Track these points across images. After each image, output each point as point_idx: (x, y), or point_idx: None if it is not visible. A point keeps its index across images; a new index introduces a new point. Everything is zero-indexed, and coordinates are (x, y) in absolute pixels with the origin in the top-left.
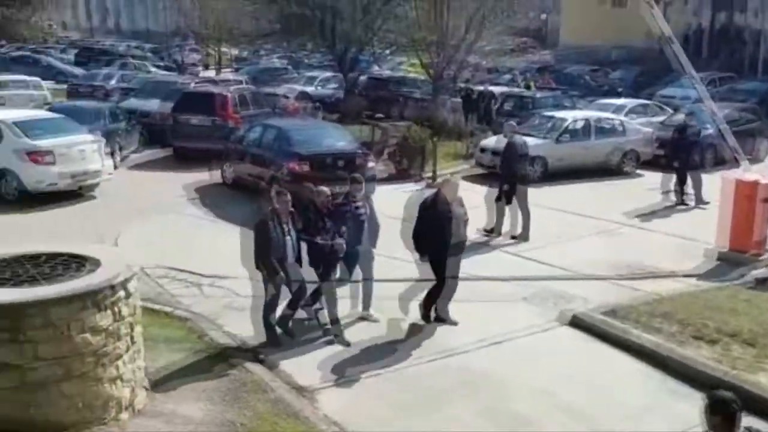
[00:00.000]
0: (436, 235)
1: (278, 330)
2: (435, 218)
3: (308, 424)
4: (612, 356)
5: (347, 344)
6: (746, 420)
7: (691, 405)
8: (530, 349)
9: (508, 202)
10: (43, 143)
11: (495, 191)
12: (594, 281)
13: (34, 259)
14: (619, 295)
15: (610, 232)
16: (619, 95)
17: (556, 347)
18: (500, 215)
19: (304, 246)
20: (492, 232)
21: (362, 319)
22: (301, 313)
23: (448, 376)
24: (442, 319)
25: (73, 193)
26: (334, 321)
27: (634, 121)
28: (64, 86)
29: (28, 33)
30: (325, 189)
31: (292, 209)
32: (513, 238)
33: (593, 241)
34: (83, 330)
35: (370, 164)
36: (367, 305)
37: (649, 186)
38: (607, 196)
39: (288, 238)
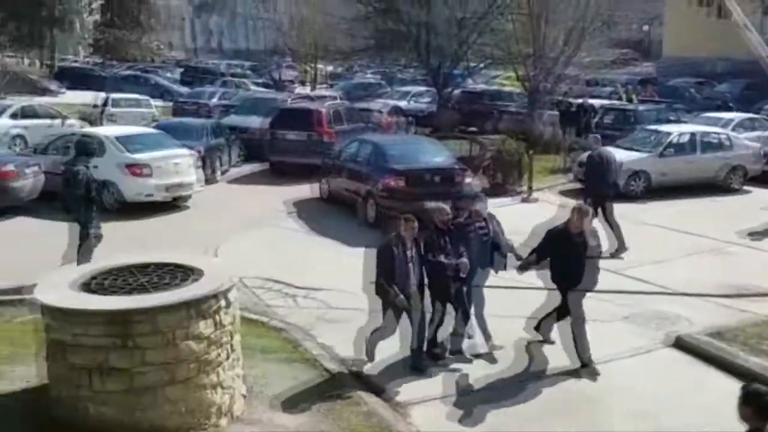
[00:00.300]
0: (566, 268)
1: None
2: (564, 249)
3: None
4: (718, 380)
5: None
6: None
7: None
8: (632, 371)
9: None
10: (141, 157)
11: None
12: (699, 302)
13: (143, 268)
14: (725, 317)
15: (717, 251)
16: (729, 109)
17: (659, 369)
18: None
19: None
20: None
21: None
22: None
23: (547, 396)
24: (544, 338)
25: (168, 204)
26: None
27: (741, 135)
28: (170, 104)
29: (138, 53)
30: (446, 207)
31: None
32: (612, 255)
33: (699, 260)
34: (187, 337)
35: (468, 180)
36: (486, 335)
37: (759, 203)
38: (714, 214)
39: (411, 265)
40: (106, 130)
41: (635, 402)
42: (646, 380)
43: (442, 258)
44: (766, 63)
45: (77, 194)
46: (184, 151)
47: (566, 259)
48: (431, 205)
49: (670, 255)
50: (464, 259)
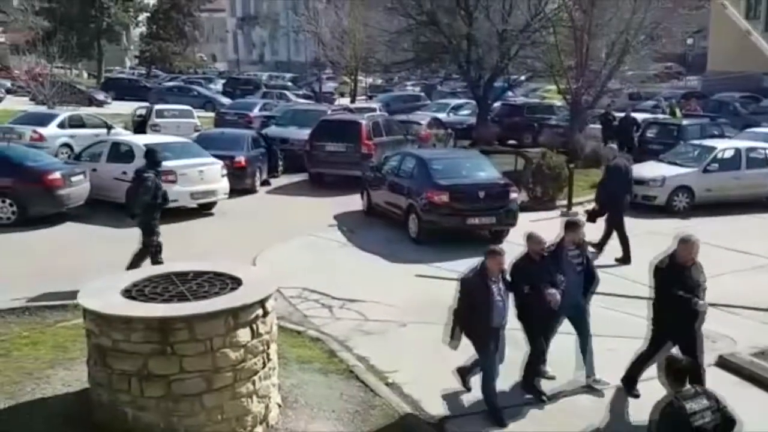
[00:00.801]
0: (673, 307)
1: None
2: (671, 285)
3: None
4: (762, 399)
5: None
6: None
7: None
8: None
9: (591, 220)
10: (167, 164)
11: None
12: (742, 320)
13: (182, 276)
14: None
15: (762, 267)
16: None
17: None
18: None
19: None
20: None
21: (589, 387)
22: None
23: (584, 411)
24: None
25: (208, 212)
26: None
27: None
28: (213, 114)
29: (182, 65)
30: (540, 236)
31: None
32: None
33: (743, 277)
34: (224, 345)
35: (513, 195)
36: (590, 370)
37: None
38: (760, 231)
39: (498, 299)
40: (136, 139)
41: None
42: None
43: (548, 291)
44: None
45: (145, 200)
46: (211, 159)
47: (677, 300)
48: (529, 233)
49: (714, 272)
50: (552, 290)
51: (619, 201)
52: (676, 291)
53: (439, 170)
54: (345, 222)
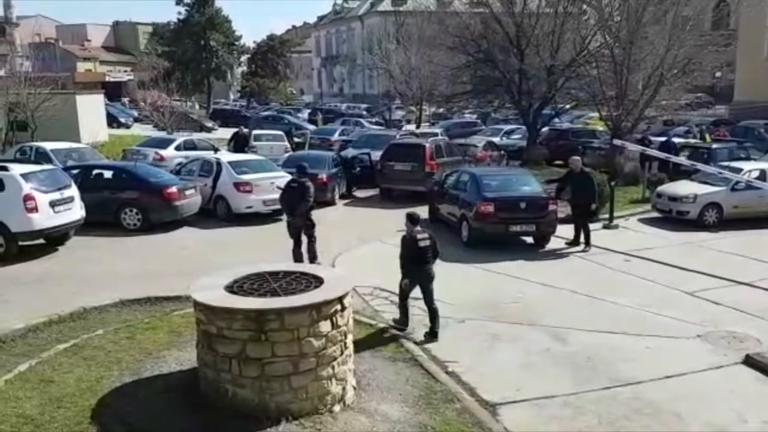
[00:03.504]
0: None
1: None
2: None
3: None
4: None
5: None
6: None
7: None
8: (703, 385)
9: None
10: (245, 177)
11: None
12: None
13: (275, 275)
14: None
15: None
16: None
17: (729, 385)
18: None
19: None
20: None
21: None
22: None
23: (623, 404)
24: None
25: (270, 217)
26: None
27: None
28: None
29: (276, 97)
30: (416, 219)
31: None
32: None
33: None
34: (309, 334)
35: (552, 207)
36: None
37: None
38: None
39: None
40: (224, 156)
41: (705, 414)
42: (717, 394)
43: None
44: None
45: (308, 204)
46: (281, 173)
47: None
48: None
49: (741, 279)
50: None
51: (590, 203)
52: None
53: (487, 184)
54: None
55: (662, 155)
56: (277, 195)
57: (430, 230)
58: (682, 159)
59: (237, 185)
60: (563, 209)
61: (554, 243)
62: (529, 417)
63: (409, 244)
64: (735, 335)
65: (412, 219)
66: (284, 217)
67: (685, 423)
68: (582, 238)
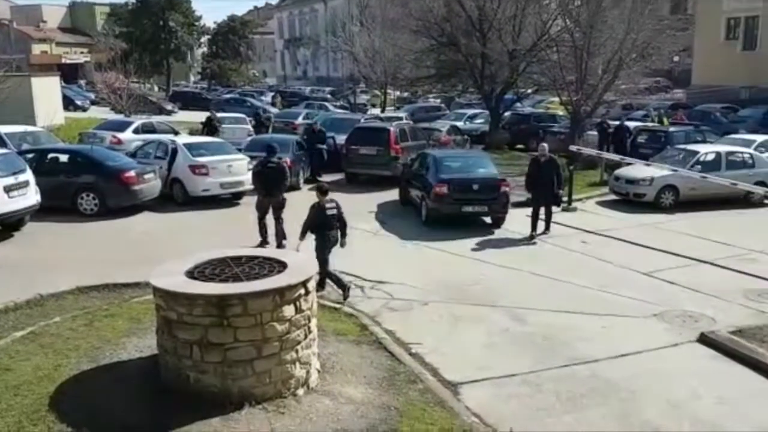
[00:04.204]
0: None
1: None
2: None
3: (452, 412)
4: (739, 374)
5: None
6: None
7: None
8: (659, 363)
9: (534, 205)
10: (201, 160)
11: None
12: (722, 303)
13: (237, 260)
14: (746, 317)
15: (740, 257)
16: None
17: (684, 362)
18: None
19: None
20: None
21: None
22: None
23: (580, 382)
24: None
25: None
26: None
27: (764, 155)
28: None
29: (237, 79)
30: (324, 190)
31: None
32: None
33: (724, 266)
34: (272, 319)
35: (504, 189)
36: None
37: None
38: (738, 224)
39: (328, 215)
40: (179, 139)
41: (661, 390)
42: (672, 371)
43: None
44: None
45: (287, 184)
46: (239, 156)
47: None
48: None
49: (697, 259)
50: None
51: (555, 188)
52: None
53: (445, 166)
54: (375, 213)
55: (615, 157)
56: (236, 178)
57: (337, 201)
58: (612, 155)
59: (193, 168)
60: (524, 194)
61: (515, 228)
62: (490, 395)
63: (317, 212)
64: (690, 314)
65: (321, 190)
66: (243, 200)
67: (641, 399)
68: (541, 226)
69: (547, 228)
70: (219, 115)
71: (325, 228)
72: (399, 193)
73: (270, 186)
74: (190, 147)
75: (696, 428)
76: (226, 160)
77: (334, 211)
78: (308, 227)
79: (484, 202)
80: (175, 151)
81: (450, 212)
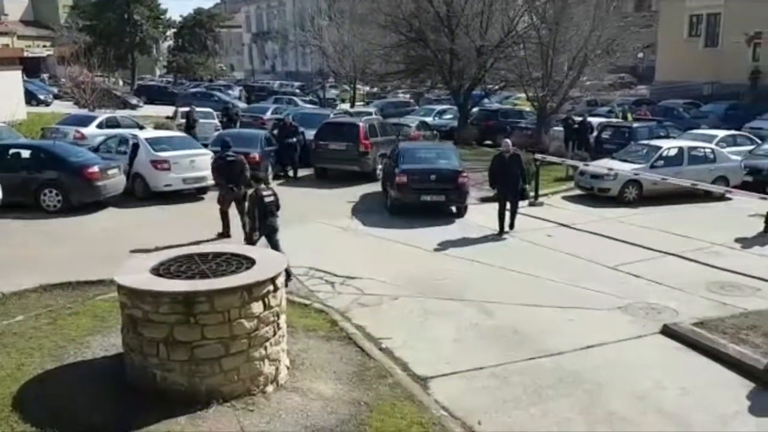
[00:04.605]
0: None
1: None
2: None
3: (421, 406)
4: (701, 364)
5: None
6: None
7: None
8: (623, 355)
9: (500, 201)
10: (163, 155)
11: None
12: (685, 295)
13: (204, 256)
14: (708, 309)
15: (702, 250)
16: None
17: (647, 354)
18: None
19: None
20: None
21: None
22: None
23: (547, 374)
24: None
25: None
26: None
27: (724, 150)
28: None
29: (204, 73)
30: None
31: None
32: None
33: (687, 257)
34: (240, 316)
35: (461, 180)
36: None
37: (739, 209)
38: (700, 218)
39: (267, 202)
40: (141, 133)
41: (625, 381)
42: (636, 363)
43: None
44: None
45: (247, 177)
46: (202, 150)
47: None
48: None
49: (661, 253)
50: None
51: (520, 184)
52: None
53: (406, 157)
54: (345, 208)
55: (578, 164)
56: (199, 173)
57: (273, 188)
58: (576, 161)
59: (154, 163)
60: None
61: (483, 222)
62: (459, 389)
63: (255, 200)
64: (653, 306)
65: (256, 178)
66: (207, 195)
67: (606, 391)
68: (507, 222)
69: (512, 224)
70: (183, 109)
71: (266, 216)
72: (381, 185)
73: (233, 179)
74: (151, 142)
75: (659, 417)
76: (188, 155)
77: (272, 198)
78: (253, 217)
79: (441, 192)
80: (136, 146)
81: (409, 201)
